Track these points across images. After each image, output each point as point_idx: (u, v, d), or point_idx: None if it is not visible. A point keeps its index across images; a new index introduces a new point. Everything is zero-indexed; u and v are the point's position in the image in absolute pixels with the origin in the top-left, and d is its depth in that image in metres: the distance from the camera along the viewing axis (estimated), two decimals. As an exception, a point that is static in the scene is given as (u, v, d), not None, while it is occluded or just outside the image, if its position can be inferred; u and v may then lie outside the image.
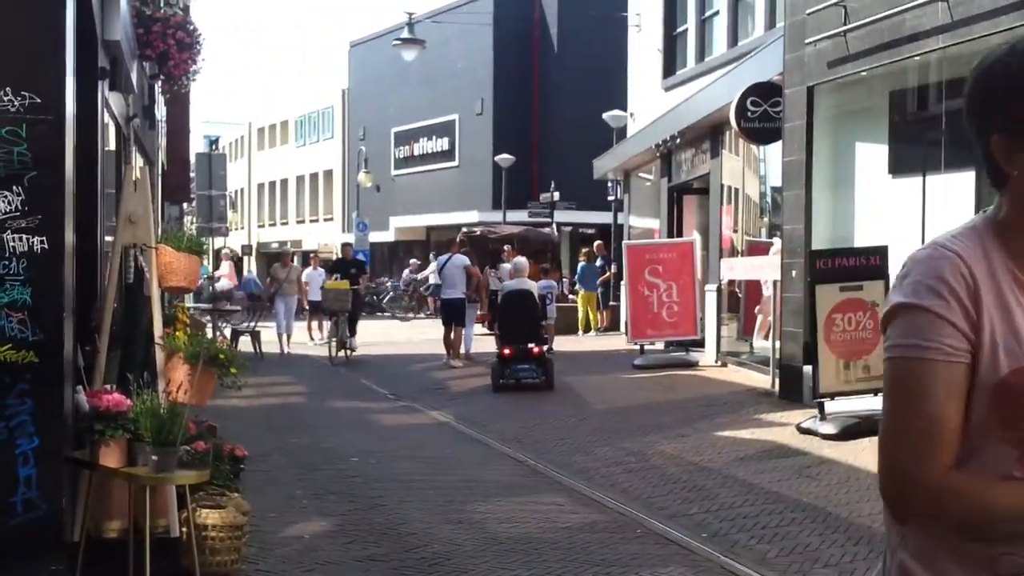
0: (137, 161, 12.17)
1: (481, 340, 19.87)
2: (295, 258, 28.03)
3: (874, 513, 7.86)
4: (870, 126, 12.34)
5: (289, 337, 21.75)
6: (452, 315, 18.61)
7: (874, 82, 12.03)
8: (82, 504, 5.81)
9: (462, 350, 19.14)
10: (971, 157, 9.29)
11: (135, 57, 10.11)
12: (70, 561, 5.63)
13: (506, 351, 15.21)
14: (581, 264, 26.20)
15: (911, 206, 11.27)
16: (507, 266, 20.17)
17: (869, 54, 11.42)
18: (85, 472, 5.80)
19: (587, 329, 24.82)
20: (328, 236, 57.89)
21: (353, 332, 20.41)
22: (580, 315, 25.24)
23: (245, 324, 21.35)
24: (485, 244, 26.47)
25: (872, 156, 12.25)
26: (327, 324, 21.78)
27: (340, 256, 23.30)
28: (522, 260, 17.63)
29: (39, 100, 5.39)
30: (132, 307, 6.78)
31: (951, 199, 10.74)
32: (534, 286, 16.64)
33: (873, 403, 10.95)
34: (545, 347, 15.88)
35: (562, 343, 21.85)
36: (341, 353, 19.79)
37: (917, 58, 11.04)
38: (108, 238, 7.76)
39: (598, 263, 26.59)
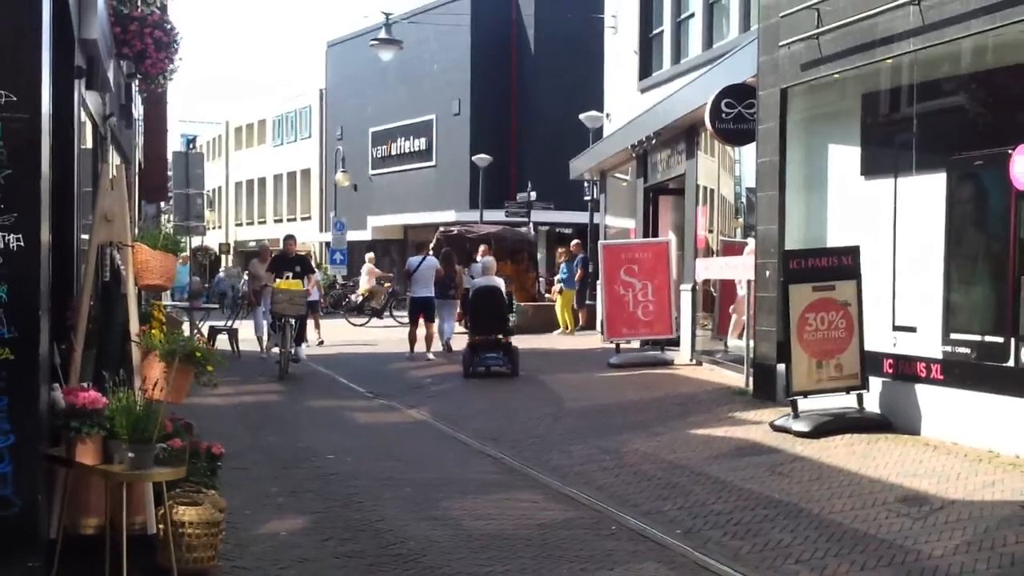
0: (114, 159, 12.17)
1: (459, 338, 20.03)
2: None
3: (845, 509, 7.97)
4: (843, 128, 12.44)
5: (271, 338, 19.71)
6: (422, 312, 19.66)
7: (847, 84, 12.14)
8: (58, 501, 5.84)
9: (440, 346, 20.11)
10: (942, 159, 9.45)
11: (112, 56, 10.12)
12: (46, 558, 5.66)
13: (475, 341, 16.66)
14: (564, 263, 26.05)
15: (883, 207, 11.38)
16: (478, 265, 20.91)
17: (842, 56, 11.53)
18: (61, 469, 5.83)
19: (565, 327, 24.79)
20: (306, 235, 57.79)
21: (302, 339, 18.77)
22: (559, 313, 25.15)
23: (223, 322, 21.18)
24: (462, 243, 26.46)
25: (844, 157, 12.35)
26: (265, 327, 20.17)
27: (282, 251, 19.27)
28: (490, 259, 19.41)
29: (15, 98, 5.42)
30: (108, 305, 6.80)
31: (922, 200, 10.85)
32: (501, 283, 17.78)
33: (845, 401, 11.07)
34: (511, 338, 17.02)
35: (538, 342, 21.93)
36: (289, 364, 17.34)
37: (889, 61, 11.15)
38: (84, 236, 7.77)
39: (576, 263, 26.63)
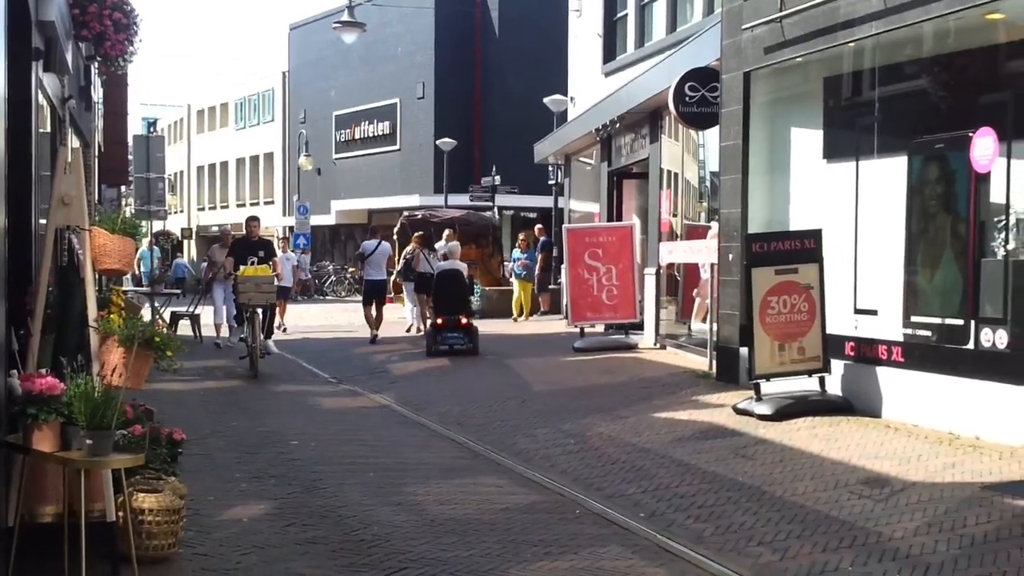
0: (72, 143, 12.03)
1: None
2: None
3: (807, 492, 8.02)
4: (805, 111, 12.49)
5: (231, 328, 19.26)
6: (375, 294, 20.58)
7: (809, 68, 12.17)
8: (16, 489, 5.77)
9: (416, 329, 21.32)
10: (903, 142, 9.52)
11: (71, 38, 9.99)
12: (4, 546, 5.60)
13: (439, 321, 17.57)
14: (523, 253, 25.74)
15: (845, 190, 11.44)
16: (441, 247, 21.57)
17: (804, 40, 11.56)
18: (18, 456, 5.76)
19: (521, 313, 24.67)
20: (269, 220, 57.45)
21: (271, 331, 17.34)
22: (515, 299, 24.99)
23: (185, 308, 20.94)
24: (427, 228, 26.43)
25: (807, 141, 12.39)
26: (224, 312, 19.41)
27: (244, 234, 17.67)
28: (454, 244, 20.14)
29: (-31, 80, 5.34)
30: (66, 290, 6.72)
31: (884, 183, 10.91)
32: (463, 267, 18.70)
33: (807, 384, 11.13)
34: (472, 319, 18.16)
35: (503, 326, 21.96)
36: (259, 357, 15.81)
37: (851, 44, 11.19)
38: (42, 220, 7.68)
39: (539, 247, 26.57)
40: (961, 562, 6.30)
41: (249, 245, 17.28)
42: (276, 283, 16.67)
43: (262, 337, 15.94)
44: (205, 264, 21.82)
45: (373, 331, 20.14)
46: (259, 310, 15.70)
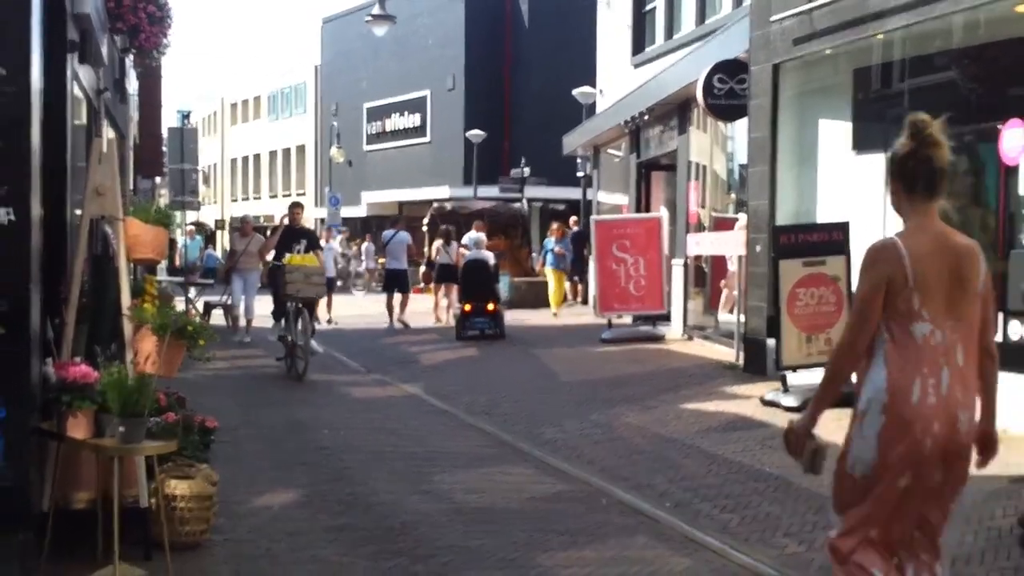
0: (107, 134, 12.14)
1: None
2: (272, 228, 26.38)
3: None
4: (834, 103, 12.45)
5: (249, 322, 18.58)
6: (396, 283, 21.19)
7: (838, 60, 12.14)
8: (50, 475, 5.86)
9: (435, 318, 21.47)
10: (930, 134, 9.18)
11: (105, 30, 10.10)
12: (39, 531, 5.69)
13: (467, 307, 18.56)
14: (559, 241, 25.26)
15: (873, 182, 11.40)
16: (461, 241, 22.00)
17: (833, 32, 11.53)
18: (53, 443, 5.85)
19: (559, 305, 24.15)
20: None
21: (314, 329, 14.98)
22: (553, 291, 24.22)
23: (218, 297, 21.05)
24: (456, 219, 26.50)
25: (836, 133, 12.37)
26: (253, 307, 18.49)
27: (287, 223, 15.78)
28: (481, 235, 20.87)
29: (4, 72, 5.42)
30: (100, 279, 6.81)
31: (913, 175, 10.88)
32: (490, 256, 19.56)
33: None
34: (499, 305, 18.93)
35: (532, 316, 22.01)
36: (301, 363, 14.12)
37: (881, 36, 11.15)
38: (77, 211, 7.78)
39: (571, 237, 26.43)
40: (988, 555, 6.31)
41: (292, 234, 15.53)
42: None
43: (308, 337, 14.24)
44: (228, 253, 21.14)
45: (390, 319, 20.91)
46: (304, 304, 14.22)
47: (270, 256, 15.38)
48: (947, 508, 4.19)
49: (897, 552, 4.18)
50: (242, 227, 19.80)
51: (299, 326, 14.09)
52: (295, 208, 16.14)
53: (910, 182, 4.17)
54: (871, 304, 4.07)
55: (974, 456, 4.24)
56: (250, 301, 18.69)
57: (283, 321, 14.66)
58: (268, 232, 19.84)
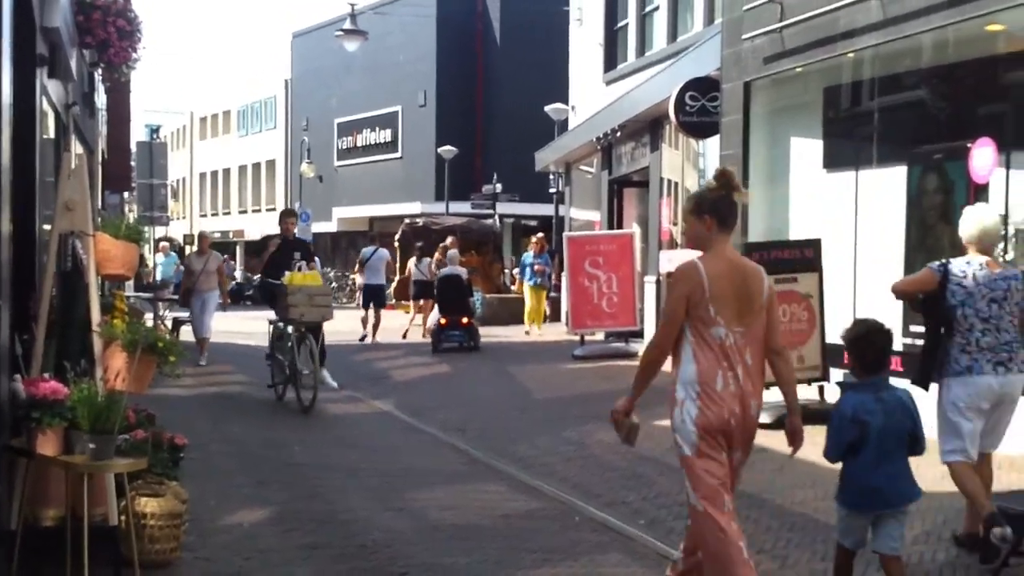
0: (76, 149, 12.06)
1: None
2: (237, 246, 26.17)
3: (807, 500, 8.04)
4: (805, 121, 12.54)
5: (204, 342, 17.23)
6: (373, 298, 21.51)
7: (809, 78, 12.23)
8: (19, 492, 5.79)
9: (403, 334, 22.25)
10: (902, 152, 9.52)
11: (75, 44, 10.04)
12: (7, 549, 5.62)
13: (442, 321, 19.21)
14: (538, 256, 24.61)
15: (844, 199, 11.49)
16: (426, 260, 23.01)
17: (804, 50, 11.62)
18: (22, 460, 5.78)
19: (532, 322, 22.96)
20: (271, 226, 57.51)
21: (323, 356, 13.55)
22: (529, 309, 23.06)
23: (186, 314, 20.80)
24: (428, 235, 26.48)
25: (807, 150, 12.45)
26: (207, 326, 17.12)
27: (279, 233, 14.18)
28: (454, 251, 21.22)
29: (-27, 87, 5.37)
30: (69, 295, 6.75)
31: (883, 193, 10.96)
32: (463, 271, 20.20)
33: (808, 392, 11.15)
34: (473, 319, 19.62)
35: (504, 333, 21.99)
36: (306, 393, 12.59)
37: (851, 55, 11.25)
38: (46, 226, 7.71)
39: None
40: (959, 571, 6.33)
41: (288, 247, 13.88)
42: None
43: (318, 364, 12.94)
44: (183, 272, 18.76)
45: (364, 331, 21.33)
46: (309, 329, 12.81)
47: (288, 273, 13.01)
48: (737, 477, 5.51)
49: (732, 522, 5.24)
50: (199, 245, 18.17)
51: (303, 353, 12.65)
52: (288, 217, 14.37)
53: (723, 217, 5.27)
54: (676, 312, 5.24)
55: (786, 447, 5.55)
56: (208, 321, 17.25)
57: (278, 343, 13.18)
58: (236, 250, 19.56)
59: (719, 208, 5.26)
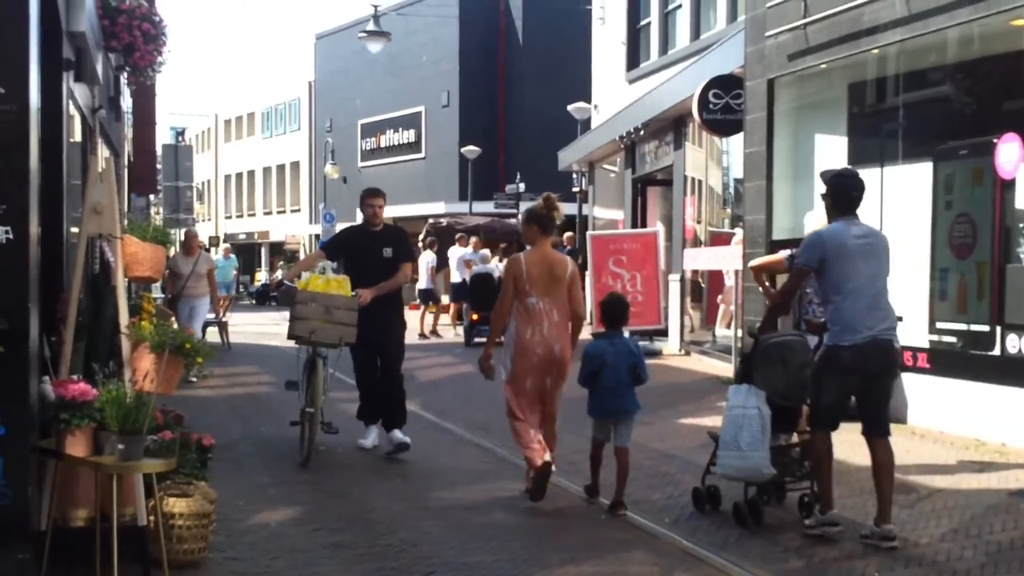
0: (103, 152, 12.15)
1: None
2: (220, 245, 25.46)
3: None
4: (829, 118, 12.49)
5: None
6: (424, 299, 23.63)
7: (833, 74, 12.19)
8: (48, 493, 5.84)
9: (419, 335, 23.01)
10: (927, 148, 9.50)
11: (100, 48, 10.12)
12: (37, 550, 5.67)
13: (474, 316, 20.69)
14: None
15: (869, 196, 11.38)
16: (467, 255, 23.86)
17: (828, 47, 11.58)
18: (51, 461, 5.84)
19: None
20: (295, 227, 57.75)
21: (403, 411, 10.28)
22: None
23: (213, 315, 20.91)
24: (451, 235, 26.53)
25: (831, 147, 12.40)
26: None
27: (362, 223, 10.86)
28: (485, 251, 23.33)
29: (3, 91, 5.42)
30: (98, 297, 6.80)
31: (908, 189, 10.91)
32: (494, 269, 21.32)
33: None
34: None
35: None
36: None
37: (875, 51, 11.20)
38: (74, 229, 7.78)
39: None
40: (988, 569, 6.31)
41: (366, 237, 10.38)
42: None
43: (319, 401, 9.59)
44: (168, 275, 15.91)
45: (421, 330, 22.89)
46: (324, 353, 9.75)
47: (307, 274, 9.88)
48: (555, 398, 8.29)
49: (530, 418, 8.14)
50: (187, 245, 16.50)
51: (313, 385, 9.58)
52: (372, 199, 10.35)
53: (544, 226, 8.14)
54: (507, 287, 8.10)
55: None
56: (197, 331, 14.99)
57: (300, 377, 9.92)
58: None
59: (541, 220, 8.10)
